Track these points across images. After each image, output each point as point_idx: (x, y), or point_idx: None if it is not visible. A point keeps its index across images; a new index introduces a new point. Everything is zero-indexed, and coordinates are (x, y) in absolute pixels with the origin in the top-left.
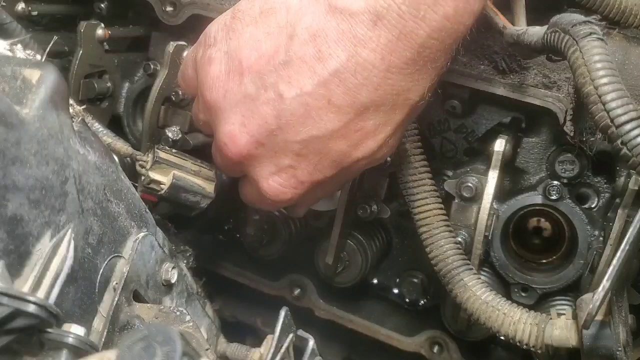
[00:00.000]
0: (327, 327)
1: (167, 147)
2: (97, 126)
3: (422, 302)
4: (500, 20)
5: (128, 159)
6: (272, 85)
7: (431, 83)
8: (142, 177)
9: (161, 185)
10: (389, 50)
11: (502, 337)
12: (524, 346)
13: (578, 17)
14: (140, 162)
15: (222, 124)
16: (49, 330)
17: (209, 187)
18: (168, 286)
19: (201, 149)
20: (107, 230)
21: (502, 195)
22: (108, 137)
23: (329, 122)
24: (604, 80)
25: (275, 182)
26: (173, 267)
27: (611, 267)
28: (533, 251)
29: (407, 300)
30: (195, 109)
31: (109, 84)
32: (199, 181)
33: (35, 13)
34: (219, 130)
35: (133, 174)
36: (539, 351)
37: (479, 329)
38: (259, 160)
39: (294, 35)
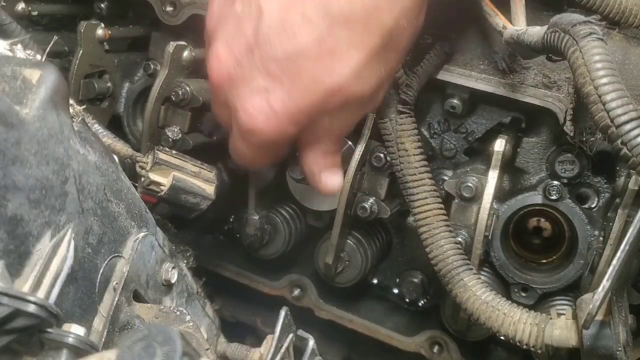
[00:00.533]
0: (327, 327)
1: (167, 149)
2: (97, 127)
3: (422, 302)
4: (500, 20)
5: (128, 160)
6: (256, 1)
7: (405, 9)
8: (142, 179)
9: (161, 187)
10: None
11: (502, 337)
12: (524, 346)
13: (578, 17)
14: (140, 164)
15: (212, 47)
16: (49, 330)
17: (209, 189)
18: (168, 286)
19: (201, 149)
20: (107, 230)
21: (502, 195)
22: (108, 138)
23: (302, 37)
24: (604, 80)
25: (250, 105)
26: (173, 267)
27: (611, 267)
28: (533, 251)
29: (407, 300)
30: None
31: (109, 84)
32: (199, 182)
33: (35, 13)
34: (209, 54)
35: (133, 175)
36: (539, 351)
37: (479, 329)
38: (236, 85)
39: None
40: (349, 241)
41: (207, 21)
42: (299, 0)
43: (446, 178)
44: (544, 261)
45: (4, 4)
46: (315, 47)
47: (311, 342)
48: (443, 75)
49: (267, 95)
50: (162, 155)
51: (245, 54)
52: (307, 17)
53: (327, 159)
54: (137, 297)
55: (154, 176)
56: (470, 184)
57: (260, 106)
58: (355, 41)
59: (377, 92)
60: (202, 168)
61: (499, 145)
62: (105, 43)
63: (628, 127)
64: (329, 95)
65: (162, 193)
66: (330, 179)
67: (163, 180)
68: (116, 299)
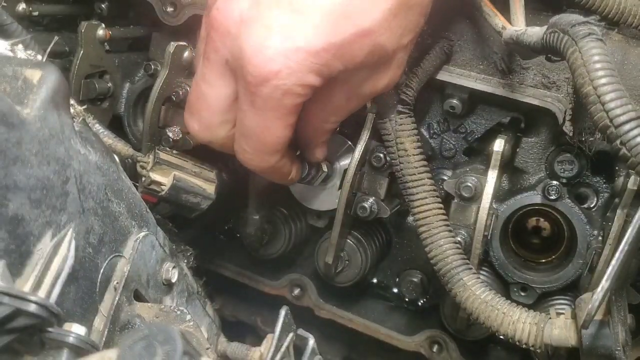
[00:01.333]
0: (327, 327)
1: (167, 148)
2: (97, 127)
3: (421, 301)
4: (500, 20)
5: (129, 160)
6: None
7: None
8: (143, 178)
9: (162, 186)
10: None
11: (501, 337)
12: (523, 345)
13: (577, 17)
14: (141, 163)
15: None
16: (50, 329)
17: (210, 188)
18: (169, 285)
19: (202, 148)
20: (108, 230)
21: (501, 195)
22: (109, 138)
23: None
24: (603, 80)
25: (265, 47)
26: (174, 267)
27: (610, 267)
28: (532, 251)
29: (406, 299)
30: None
31: (109, 84)
32: (200, 182)
33: (36, 13)
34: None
35: (133, 175)
36: (538, 351)
37: (478, 329)
38: (249, 27)
39: None
40: (348, 241)
41: None
42: None
43: (446, 178)
44: (543, 261)
45: (4, 4)
46: None
47: (311, 341)
48: (443, 76)
49: (288, 32)
50: (162, 155)
51: None
52: None
53: (326, 136)
54: (138, 297)
55: (154, 176)
56: (469, 184)
57: (279, 45)
58: None
59: (396, 55)
60: (203, 168)
61: (498, 145)
62: (105, 43)
63: (627, 127)
64: (358, 37)
65: (163, 193)
66: (321, 153)
67: (164, 179)
68: (117, 298)
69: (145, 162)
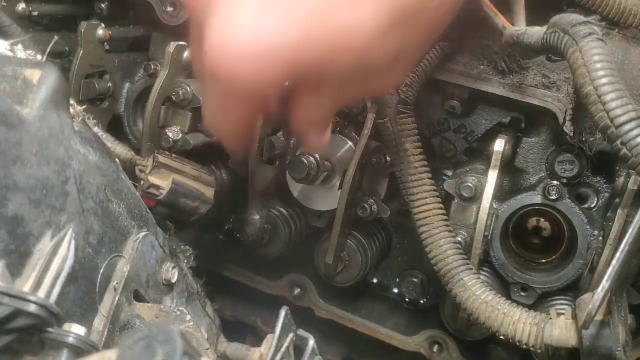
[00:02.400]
0: (327, 327)
1: (166, 152)
2: (96, 130)
3: (421, 301)
4: (500, 20)
5: (127, 162)
6: None
7: None
8: (142, 182)
9: (160, 190)
10: None
11: (501, 337)
12: (524, 346)
13: (577, 17)
14: (139, 167)
15: None
16: (50, 329)
17: (209, 193)
18: (168, 286)
19: (202, 148)
20: (107, 230)
21: (501, 195)
22: (107, 141)
23: None
24: (604, 80)
25: (227, 21)
26: (173, 267)
27: (610, 268)
28: (532, 251)
29: (406, 299)
30: None
31: (109, 84)
32: (198, 186)
33: (35, 13)
34: None
35: (132, 178)
36: (539, 351)
37: (478, 329)
38: (211, 13)
39: None
40: (349, 241)
41: None
42: None
43: (446, 178)
44: (544, 261)
45: (4, 4)
46: None
47: (311, 342)
48: (443, 75)
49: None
50: (161, 159)
51: None
52: None
53: (319, 120)
54: (138, 297)
55: (153, 179)
56: (469, 184)
57: (245, 21)
58: None
59: (389, 69)
60: (202, 172)
61: (499, 145)
62: (105, 43)
63: (627, 127)
64: (337, 54)
65: (162, 196)
66: (318, 140)
67: (162, 183)
68: (117, 298)
69: (144, 166)
